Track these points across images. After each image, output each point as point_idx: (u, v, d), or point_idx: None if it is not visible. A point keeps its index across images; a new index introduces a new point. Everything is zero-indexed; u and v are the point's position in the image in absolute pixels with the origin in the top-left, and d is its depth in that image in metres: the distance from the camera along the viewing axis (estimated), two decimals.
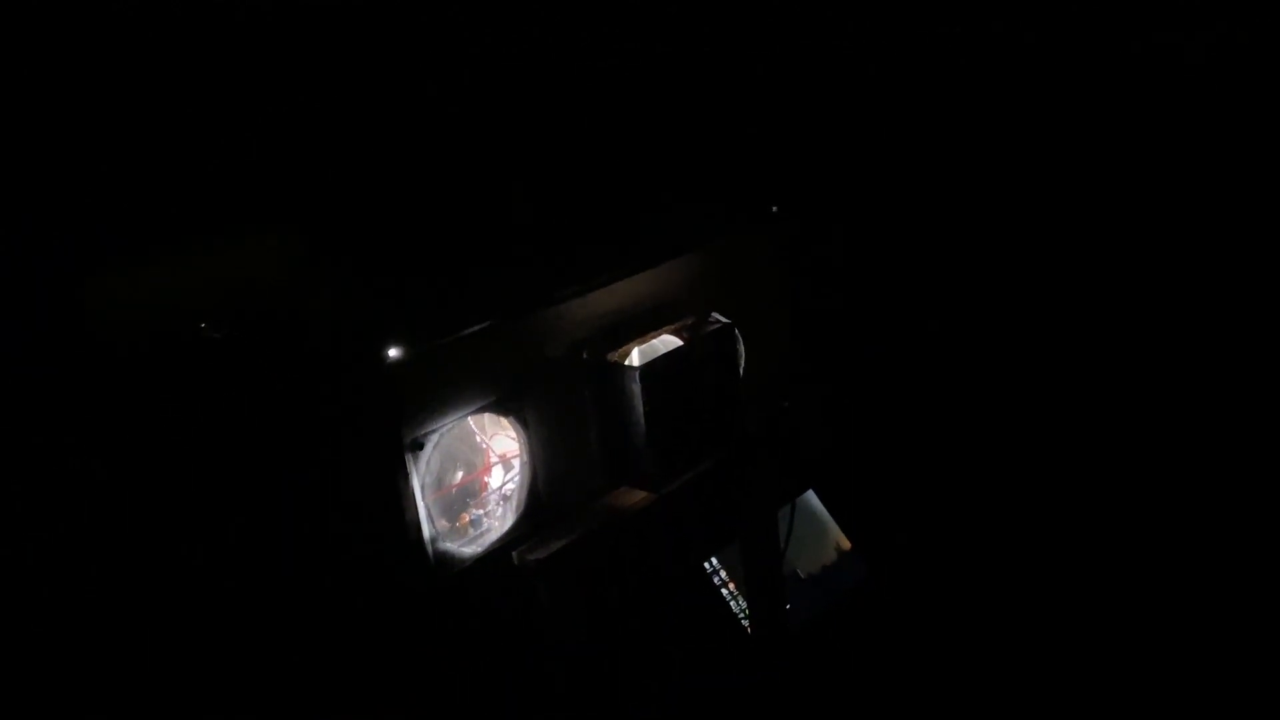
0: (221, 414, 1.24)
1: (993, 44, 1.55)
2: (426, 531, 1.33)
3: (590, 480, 1.57)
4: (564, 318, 1.52)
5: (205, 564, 1.21)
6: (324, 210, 1.33)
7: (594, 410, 1.55)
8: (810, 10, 1.75)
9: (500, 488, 1.49)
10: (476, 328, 1.38)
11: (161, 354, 1.27)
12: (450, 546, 1.38)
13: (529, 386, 1.46)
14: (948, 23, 1.58)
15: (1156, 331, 1.67)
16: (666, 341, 1.64)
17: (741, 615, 1.82)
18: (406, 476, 1.29)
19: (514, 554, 1.45)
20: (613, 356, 1.52)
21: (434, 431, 1.33)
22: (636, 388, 1.48)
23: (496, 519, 1.46)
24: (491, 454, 1.49)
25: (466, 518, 1.45)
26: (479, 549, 1.41)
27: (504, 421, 1.46)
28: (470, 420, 1.44)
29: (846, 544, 2.05)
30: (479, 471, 1.48)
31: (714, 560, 1.85)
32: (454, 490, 1.44)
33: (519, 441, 1.47)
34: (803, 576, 1.99)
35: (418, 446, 1.30)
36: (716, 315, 1.78)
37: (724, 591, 1.84)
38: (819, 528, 2.04)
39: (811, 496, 2.07)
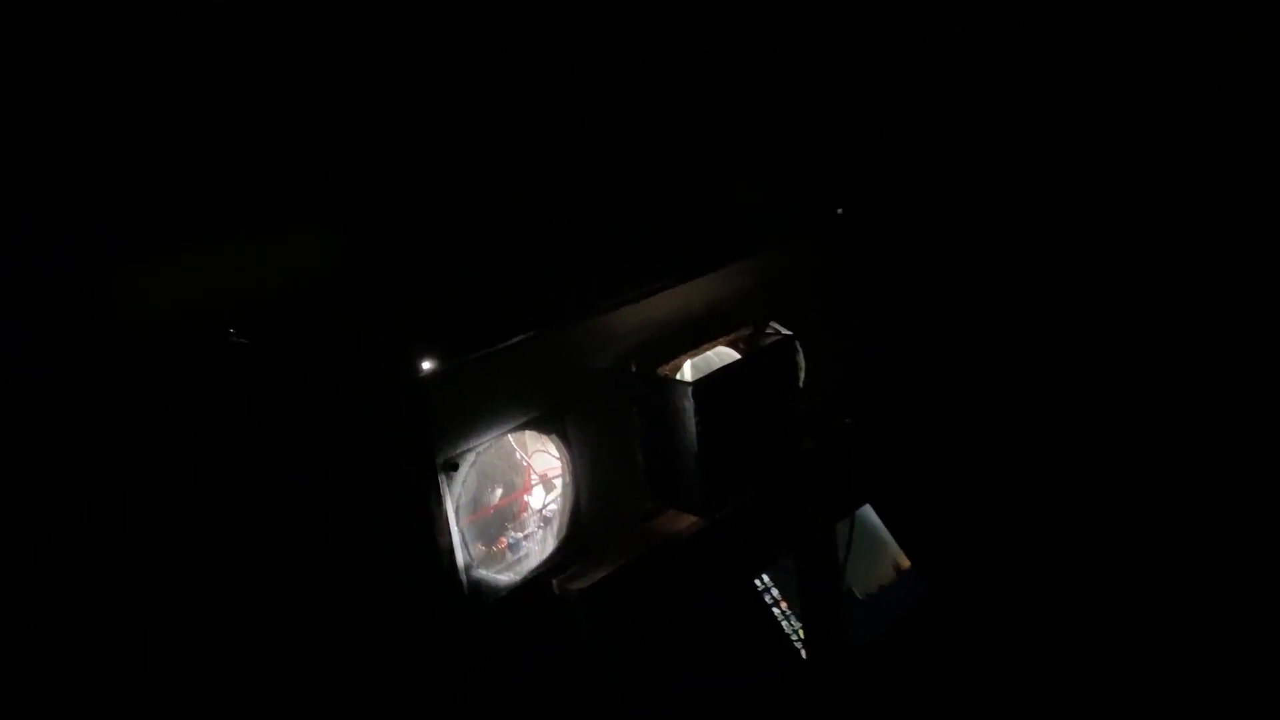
0: (244, 427, 1.16)
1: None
2: (461, 558, 1.24)
3: (637, 503, 1.46)
4: (611, 328, 1.41)
5: (225, 583, 1.14)
6: (354, 214, 1.25)
7: (642, 428, 1.44)
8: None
9: (541, 510, 1.39)
10: (517, 339, 1.29)
11: (185, 356, 1.20)
12: (486, 574, 1.28)
13: (572, 402, 1.36)
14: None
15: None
16: (722, 354, 1.53)
17: (795, 637, 1.70)
18: (440, 499, 1.20)
19: (554, 582, 1.35)
20: (663, 370, 1.42)
21: (470, 450, 1.24)
22: (689, 405, 1.37)
23: (536, 543, 1.37)
24: (532, 473, 1.39)
25: (504, 541, 1.35)
26: (516, 576, 1.32)
27: (545, 439, 1.36)
28: (510, 436, 1.35)
29: (905, 562, 1.93)
30: (518, 492, 1.38)
31: (765, 578, 1.73)
32: (491, 512, 1.35)
33: (561, 460, 1.37)
34: (859, 597, 1.87)
35: (452, 467, 1.21)
36: (776, 326, 1.67)
37: (776, 611, 1.72)
38: (876, 545, 1.92)
39: (869, 512, 1.94)
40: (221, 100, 1.17)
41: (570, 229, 1.44)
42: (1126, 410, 1.85)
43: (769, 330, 1.67)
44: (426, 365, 1.17)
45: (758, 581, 1.71)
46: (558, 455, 1.37)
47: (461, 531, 1.24)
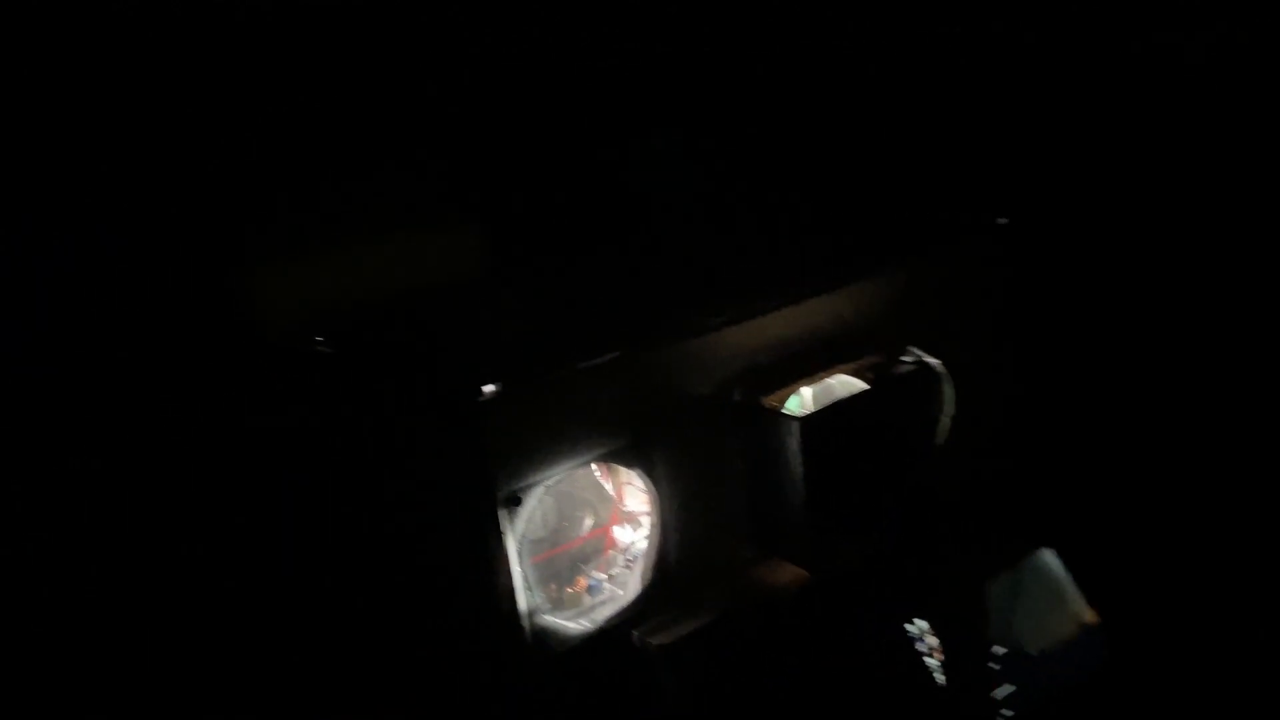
0: (302, 443, 1.09)
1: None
2: (523, 602, 1.11)
3: (735, 550, 1.29)
4: (712, 350, 1.25)
5: (245, 602, 1.07)
6: (422, 215, 1.15)
7: (744, 465, 1.27)
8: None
9: (624, 551, 1.25)
10: (597, 360, 1.15)
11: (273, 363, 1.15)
12: (555, 620, 1.15)
13: (663, 433, 1.21)
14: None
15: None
16: (845, 384, 1.33)
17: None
18: (499, 537, 1.08)
19: (634, 633, 1.20)
20: (769, 401, 1.24)
21: (537, 484, 1.11)
22: (795, 443, 1.19)
23: (617, 588, 1.22)
24: (618, 509, 1.25)
25: (583, 583, 1.22)
26: (591, 625, 1.18)
27: (631, 473, 1.21)
28: (594, 466, 1.21)
29: (1091, 617, 1.64)
30: (601, 529, 1.24)
31: (918, 622, 1.51)
32: (565, 552, 1.22)
33: (648, 497, 1.22)
34: (1033, 653, 1.61)
35: (514, 501, 1.09)
36: (916, 352, 1.45)
37: (930, 660, 1.49)
38: (1056, 595, 1.64)
39: (1049, 557, 1.67)
40: (250, 98, 1.11)
41: (669, 233, 1.29)
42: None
43: (909, 358, 1.45)
44: (488, 389, 1.05)
45: (909, 627, 1.48)
46: (644, 491, 1.22)
47: (526, 573, 1.12)
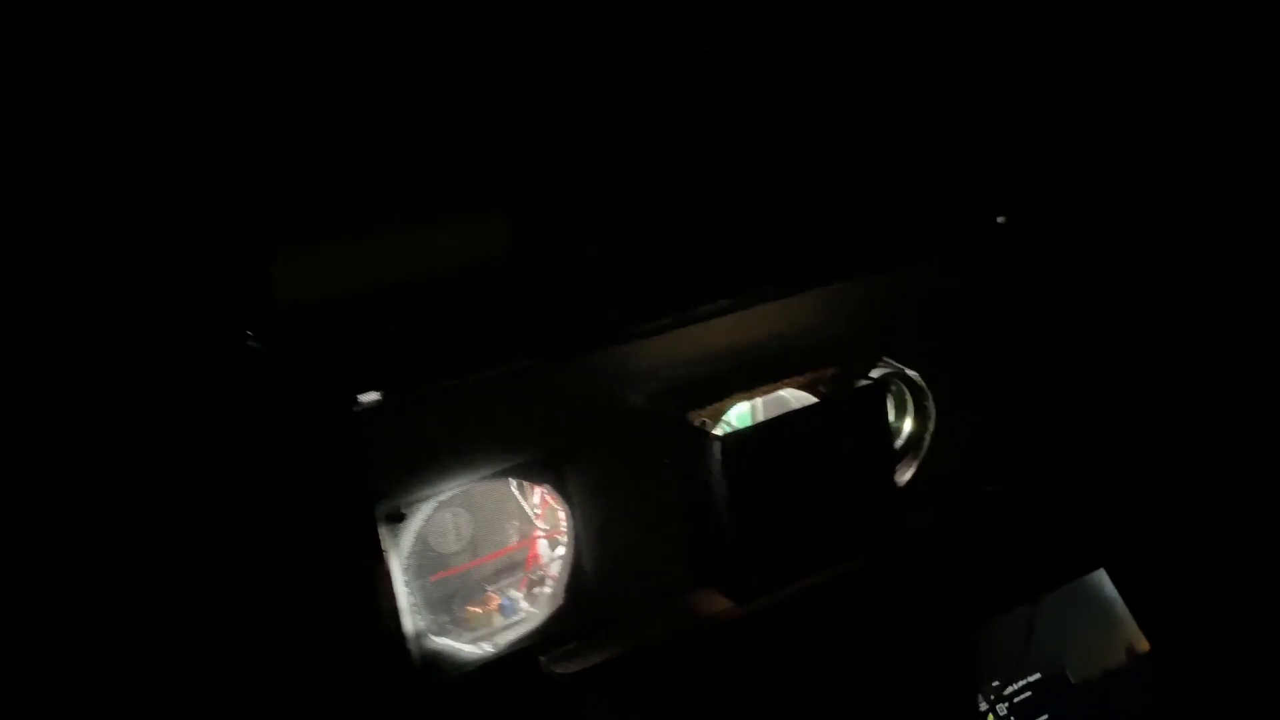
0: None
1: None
2: (410, 625, 1.05)
3: (669, 576, 1.19)
4: (643, 358, 1.16)
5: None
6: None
7: (679, 485, 1.17)
8: None
9: (534, 572, 1.17)
10: (499, 369, 1.07)
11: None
12: (446, 644, 1.08)
13: (584, 447, 1.12)
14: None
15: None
16: (801, 398, 1.21)
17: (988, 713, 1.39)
18: (380, 555, 1.02)
19: (542, 660, 1.12)
20: (697, 416, 1.13)
21: (427, 499, 1.04)
22: (716, 464, 1.08)
23: (522, 612, 1.15)
24: (534, 528, 1.17)
25: (495, 601, 1.15)
26: (492, 649, 1.11)
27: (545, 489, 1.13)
28: (510, 481, 1.14)
29: (1144, 645, 1.52)
30: (505, 549, 1.17)
31: None
32: (473, 569, 1.15)
33: (563, 515, 1.14)
34: (1073, 681, 1.47)
35: (397, 518, 1.02)
36: (890, 362, 1.32)
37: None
38: (1107, 620, 1.54)
39: (1102, 579, 1.55)
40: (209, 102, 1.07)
41: (605, 233, 1.19)
42: None
43: (881, 369, 1.32)
44: (365, 398, 0.99)
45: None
46: (560, 509, 1.14)
47: (415, 592, 1.05)
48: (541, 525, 1.17)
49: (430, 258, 1.15)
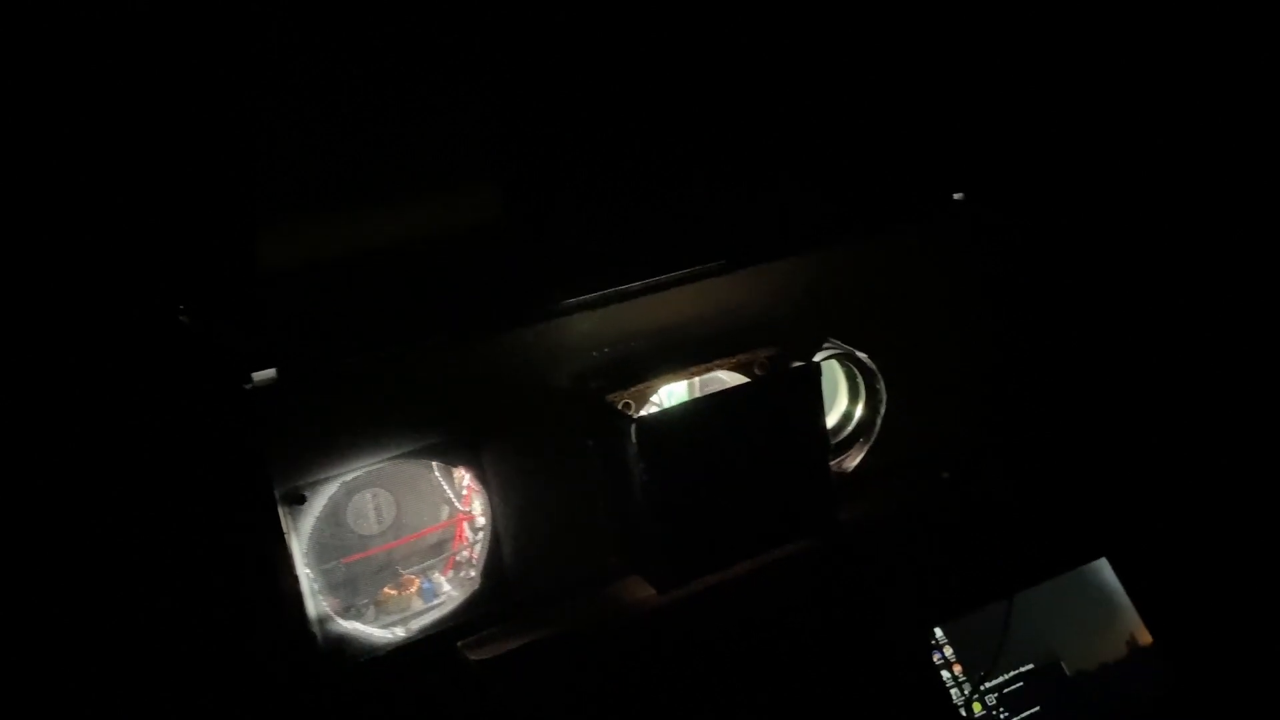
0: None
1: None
2: (312, 609, 1.02)
3: (597, 562, 1.15)
4: (566, 335, 1.11)
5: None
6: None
7: (600, 468, 1.13)
8: None
9: (450, 555, 1.13)
10: (406, 346, 1.03)
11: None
12: (355, 628, 1.05)
13: (501, 427, 1.08)
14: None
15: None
16: (732, 381, 1.16)
17: (962, 706, 1.34)
18: (279, 536, 0.99)
19: (458, 645, 1.09)
20: (618, 397, 1.09)
21: (330, 480, 1.01)
22: (633, 446, 1.04)
23: (443, 596, 1.11)
24: (458, 510, 1.14)
25: (401, 590, 1.11)
26: (405, 633, 1.08)
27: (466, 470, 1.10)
28: (431, 463, 1.10)
29: (1146, 638, 1.46)
30: (425, 531, 1.13)
31: (940, 632, 1.36)
32: (388, 550, 1.11)
33: (480, 498, 1.10)
34: (1069, 673, 1.42)
35: (297, 499, 0.99)
36: (836, 342, 1.26)
37: (945, 675, 1.33)
38: (1106, 611, 1.48)
39: (1104, 568, 1.50)
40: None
41: (523, 205, 1.14)
42: None
43: (827, 350, 1.26)
44: (259, 375, 0.96)
45: (936, 632, 1.32)
46: (477, 490, 1.10)
47: (313, 577, 1.02)
48: (464, 508, 1.13)
49: (351, 235, 1.11)
